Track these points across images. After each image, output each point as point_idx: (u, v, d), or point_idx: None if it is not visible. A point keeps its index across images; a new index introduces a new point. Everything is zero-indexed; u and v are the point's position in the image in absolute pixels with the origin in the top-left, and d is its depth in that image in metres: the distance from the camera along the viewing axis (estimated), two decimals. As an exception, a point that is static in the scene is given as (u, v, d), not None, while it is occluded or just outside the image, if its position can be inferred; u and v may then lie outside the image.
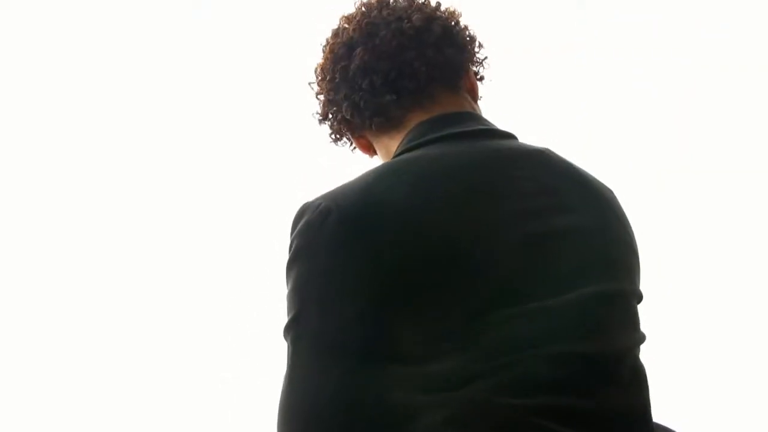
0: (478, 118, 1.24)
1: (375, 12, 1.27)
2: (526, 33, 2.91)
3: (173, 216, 2.86)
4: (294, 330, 1.06)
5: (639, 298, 1.19)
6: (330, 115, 1.33)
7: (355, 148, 1.38)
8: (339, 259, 1.04)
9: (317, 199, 1.10)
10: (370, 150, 1.35)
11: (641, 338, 1.16)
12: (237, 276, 2.85)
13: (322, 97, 1.33)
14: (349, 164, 1.41)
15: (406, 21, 1.25)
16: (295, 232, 1.09)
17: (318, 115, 1.35)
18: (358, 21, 1.27)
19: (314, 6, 2.84)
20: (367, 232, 1.04)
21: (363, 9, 1.29)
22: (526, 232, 1.07)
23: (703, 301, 2.79)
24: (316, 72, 1.34)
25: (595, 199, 1.17)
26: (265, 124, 2.90)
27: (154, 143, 2.88)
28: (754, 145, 2.83)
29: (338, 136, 1.36)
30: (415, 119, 1.23)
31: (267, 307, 2.72)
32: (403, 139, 1.23)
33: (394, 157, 1.22)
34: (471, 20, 1.34)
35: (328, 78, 1.29)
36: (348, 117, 1.29)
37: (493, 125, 1.23)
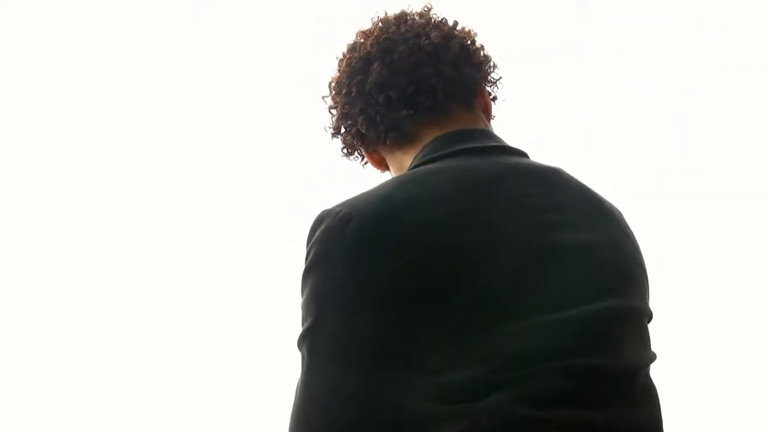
0: (492, 135, 1.25)
1: (393, 28, 1.28)
2: (526, 33, 2.91)
3: (173, 217, 2.86)
4: (309, 338, 1.05)
5: (649, 317, 1.20)
6: (343, 129, 1.33)
7: (366, 162, 1.38)
8: (358, 266, 1.04)
9: (337, 206, 1.10)
10: (381, 165, 1.36)
11: (652, 357, 1.16)
12: (237, 277, 2.85)
13: (335, 110, 1.33)
14: (349, 166, 1.42)
15: (424, 38, 1.25)
16: (314, 239, 1.09)
17: (330, 129, 1.36)
18: (375, 36, 1.28)
19: (314, 6, 2.84)
20: (387, 240, 1.04)
21: (380, 25, 1.30)
22: (540, 246, 1.08)
23: (703, 301, 2.79)
24: (330, 86, 1.34)
25: (606, 218, 1.19)
26: (265, 124, 2.90)
27: (154, 144, 2.88)
28: (754, 145, 2.83)
29: (350, 150, 1.36)
30: (430, 135, 1.24)
31: (267, 308, 2.73)
32: (417, 154, 1.23)
33: (409, 170, 1.22)
34: (471, 20, 1.35)
35: (343, 92, 1.29)
36: (363, 131, 1.29)
37: (506, 143, 1.24)
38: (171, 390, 2.80)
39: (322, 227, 1.08)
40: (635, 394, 1.09)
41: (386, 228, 1.05)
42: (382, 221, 1.05)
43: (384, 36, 1.27)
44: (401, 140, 1.26)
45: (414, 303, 1.02)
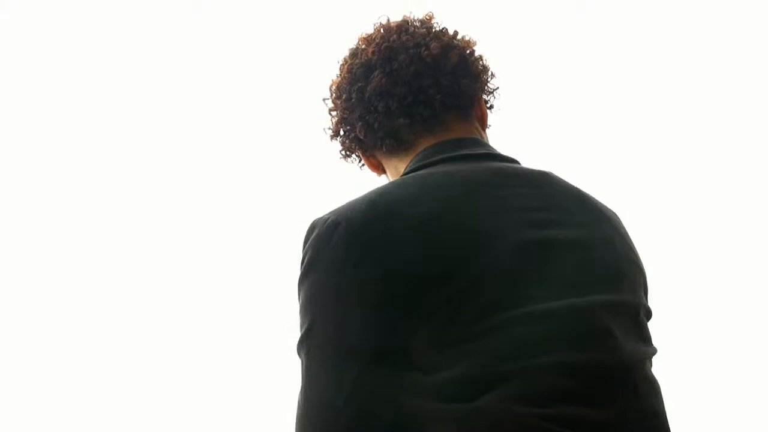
0: (483, 144, 1.28)
1: (394, 36, 1.30)
2: (526, 33, 2.91)
3: (172, 217, 2.86)
4: (307, 343, 1.08)
5: (647, 312, 1.20)
6: (342, 133, 1.36)
7: (363, 165, 1.41)
8: (348, 269, 1.07)
9: (327, 214, 1.13)
10: (378, 169, 1.39)
11: (651, 351, 1.17)
12: (237, 278, 2.85)
13: (335, 113, 1.36)
14: (346, 165, 1.43)
15: (424, 48, 1.28)
16: (306, 246, 1.12)
17: (330, 131, 1.38)
18: (377, 44, 1.30)
19: (313, 7, 2.84)
20: (373, 242, 1.06)
21: (382, 32, 1.32)
22: (528, 240, 1.09)
23: (703, 301, 2.79)
24: (331, 89, 1.36)
25: (598, 218, 1.20)
26: (265, 124, 2.90)
27: (153, 143, 2.88)
28: (753, 146, 2.83)
29: (348, 153, 1.39)
30: (425, 143, 1.27)
31: (267, 308, 2.73)
32: (411, 161, 1.26)
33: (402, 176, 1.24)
34: (472, 21, 1.35)
35: (344, 97, 1.32)
36: (361, 137, 1.32)
37: (497, 151, 1.27)
38: (171, 390, 2.80)
39: (313, 235, 1.11)
40: (633, 388, 1.09)
41: (372, 231, 1.07)
42: (369, 225, 1.08)
43: (385, 44, 1.29)
44: (397, 147, 1.29)
45: (404, 303, 1.03)
